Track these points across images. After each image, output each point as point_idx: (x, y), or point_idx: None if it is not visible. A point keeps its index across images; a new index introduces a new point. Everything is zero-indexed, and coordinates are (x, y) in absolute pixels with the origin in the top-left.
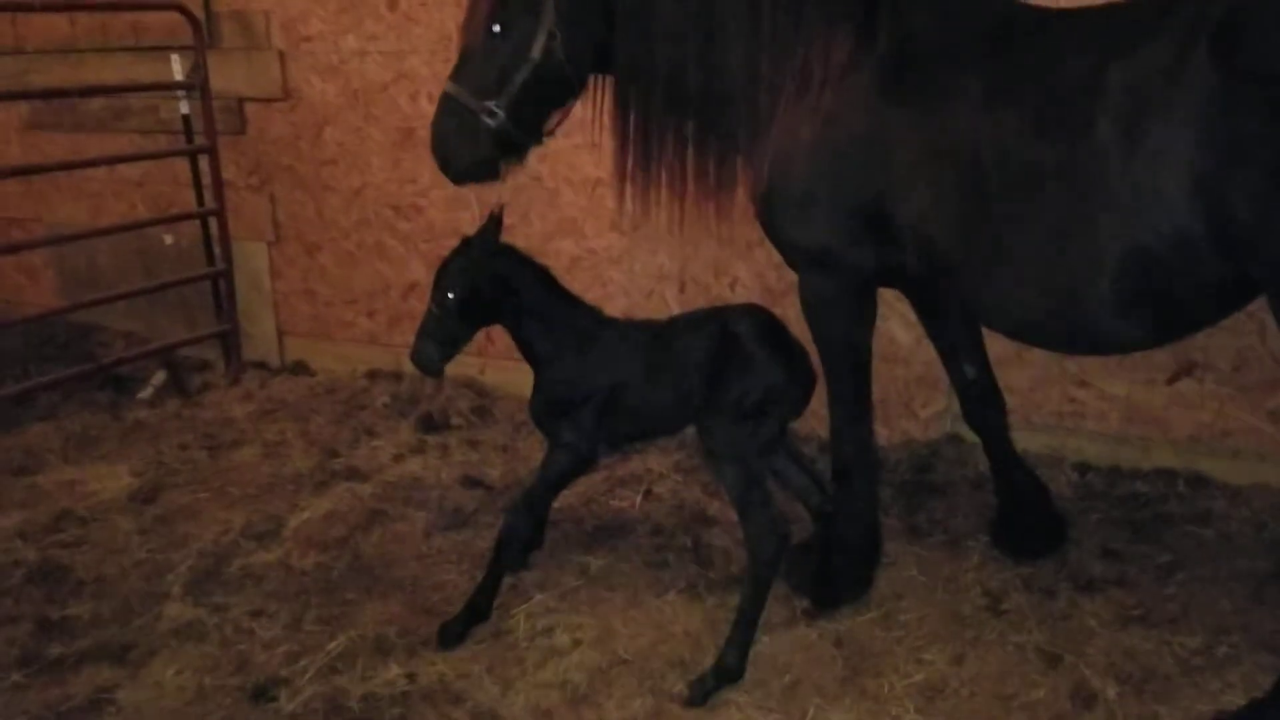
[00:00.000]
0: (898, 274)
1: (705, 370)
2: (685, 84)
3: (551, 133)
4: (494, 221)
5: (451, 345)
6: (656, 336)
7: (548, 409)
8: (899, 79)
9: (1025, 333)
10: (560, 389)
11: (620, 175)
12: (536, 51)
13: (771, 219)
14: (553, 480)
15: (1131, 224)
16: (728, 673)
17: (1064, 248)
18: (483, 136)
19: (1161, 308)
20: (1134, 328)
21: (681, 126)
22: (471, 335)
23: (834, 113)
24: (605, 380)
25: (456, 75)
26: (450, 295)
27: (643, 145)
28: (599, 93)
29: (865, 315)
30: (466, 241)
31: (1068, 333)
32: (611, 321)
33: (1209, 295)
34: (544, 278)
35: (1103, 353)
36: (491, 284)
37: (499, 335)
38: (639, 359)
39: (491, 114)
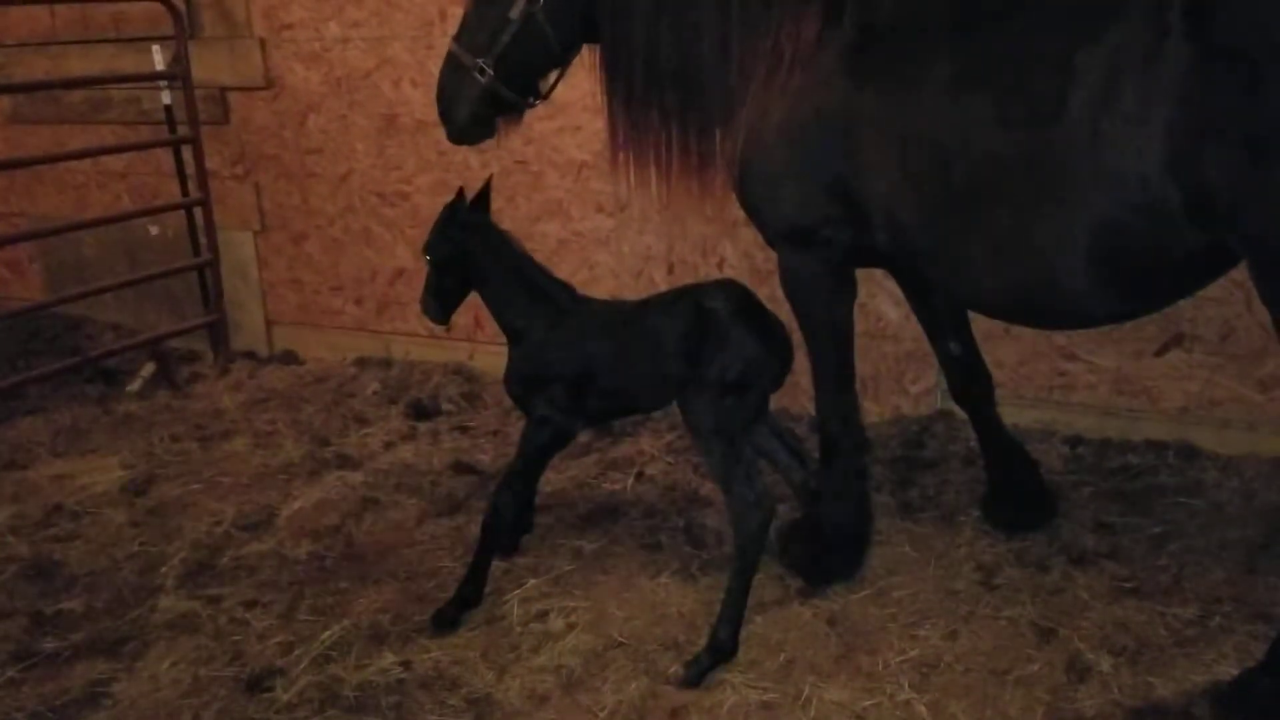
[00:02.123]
0: (874, 252)
1: (683, 348)
2: (660, 61)
3: (546, 95)
4: (460, 194)
5: (447, 300)
6: (630, 316)
7: (520, 383)
8: (864, 59)
9: (999, 310)
10: (530, 364)
11: (613, 147)
12: (515, 13)
13: (746, 197)
14: (530, 456)
15: (1104, 200)
16: (721, 650)
17: (1035, 226)
18: (475, 92)
19: (1136, 280)
20: (1109, 301)
21: (664, 102)
22: (462, 293)
23: (802, 92)
24: (575, 357)
25: (458, 34)
26: (428, 258)
27: (629, 119)
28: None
29: (844, 292)
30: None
31: (1042, 309)
32: (585, 300)
33: (1184, 266)
34: (510, 252)
35: (1080, 326)
36: (456, 252)
37: (487, 320)
38: (611, 338)
39: (482, 71)
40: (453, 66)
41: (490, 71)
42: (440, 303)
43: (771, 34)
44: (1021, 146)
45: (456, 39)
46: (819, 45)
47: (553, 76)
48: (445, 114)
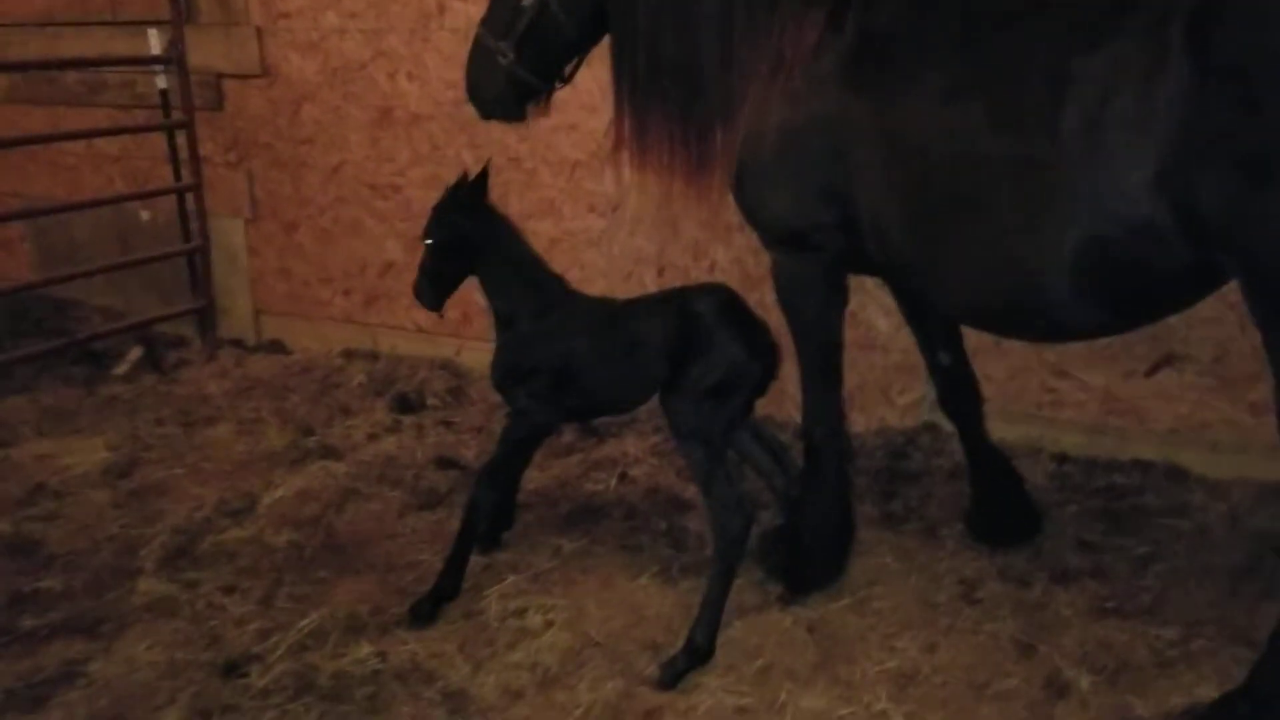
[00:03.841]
0: (866, 259)
1: (666, 351)
2: (663, 52)
3: (569, 79)
4: (464, 177)
5: (441, 285)
6: (616, 315)
7: (503, 373)
8: (861, 65)
9: (983, 320)
10: (513, 354)
11: (617, 140)
12: (528, 1)
13: (742, 198)
14: (508, 448)
15: (1092, 214)
16: (697, 653)
17: (1022, 238)
18: (497, 74)
19: (1123, 295)
20: (1095, 315)
21: (666, 94)
22: (457, 278)
23: (799, 96)
24: (558, 350)
25: (484, 18)
26: (428, 242)
27: (634, 112)
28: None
29: (836, 298)
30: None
31: (1028, 320)
32: (574, 295)
33: (1173, 282)
34: (511, 236)
35: (1065, 339)
36: (455, 235)
37: (476, 316)
38: (594, 335)
39: (504, 54)
40: (478, 48)
41: (511, 55)
42: (435, 289)
43: (774, 35)
44: (1013, 158)
45: (483, 22)
46: (819, 50)
47: (570, 60)
48: (471, 93)
